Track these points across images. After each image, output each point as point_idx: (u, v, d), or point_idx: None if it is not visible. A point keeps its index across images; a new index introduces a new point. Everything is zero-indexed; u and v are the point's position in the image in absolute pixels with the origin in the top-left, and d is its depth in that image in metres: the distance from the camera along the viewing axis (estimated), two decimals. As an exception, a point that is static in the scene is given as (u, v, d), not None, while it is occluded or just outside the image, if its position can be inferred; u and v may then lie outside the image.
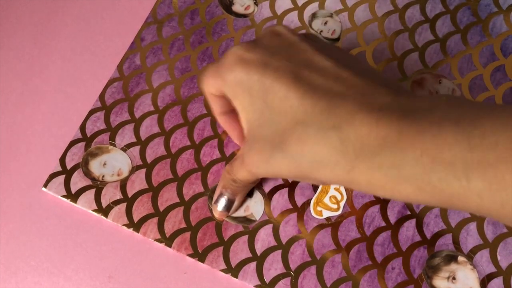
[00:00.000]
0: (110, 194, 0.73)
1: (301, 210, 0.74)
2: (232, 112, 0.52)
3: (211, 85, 0.47)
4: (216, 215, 0.58)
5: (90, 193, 0.72)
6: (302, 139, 0.38)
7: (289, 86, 0.39)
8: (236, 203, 0.56)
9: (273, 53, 0.41)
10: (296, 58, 0.41)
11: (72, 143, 0.74)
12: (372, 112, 0.37)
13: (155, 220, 0.70)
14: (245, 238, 0.70)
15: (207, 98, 0.51)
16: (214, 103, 0.50)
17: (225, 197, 0.55)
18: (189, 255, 0.69)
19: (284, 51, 0.41)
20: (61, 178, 0.72)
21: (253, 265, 0.69)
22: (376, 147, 0.35)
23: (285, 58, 0.41)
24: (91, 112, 0.76)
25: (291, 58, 0.41)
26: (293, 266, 0.72)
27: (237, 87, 0.41)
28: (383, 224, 0.74)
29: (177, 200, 0.71)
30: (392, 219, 0.74)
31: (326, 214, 0.75)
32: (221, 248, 0.69)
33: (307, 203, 0.75)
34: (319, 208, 0.74)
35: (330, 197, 0.73)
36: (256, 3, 0.85)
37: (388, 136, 0.35)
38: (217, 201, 0.56)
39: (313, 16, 0.87)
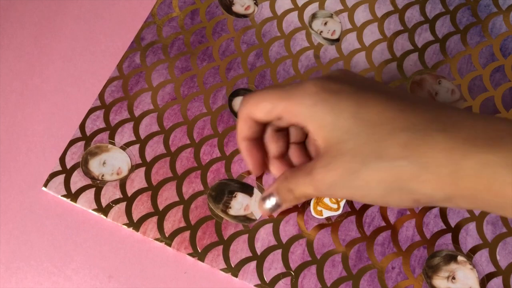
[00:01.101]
0: (109, 193, 0.72)
1: (301, 210, 0.74)
2: (256, 141, 0.53)
3: (262, 107, 0.48)
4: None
5: (90, 193, 0.72)
6: (405, 144, 0.38)
7: (387, 101, 0.40)
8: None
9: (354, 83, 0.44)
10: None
11: (72, 142, 0.74)
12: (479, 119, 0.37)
13: (154, 219, 0.70)
14: (245, 237, 0.70)
15: (240, 120, 0.52)
16: (246, 126, 0.50)
17: (275, 199, 0.55)
18: (189, 254, 0.69)
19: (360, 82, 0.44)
20: (61, 177, 0.72)
21: (253, 264, 0.69)
22: (490, 140, 0.35)
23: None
24: (91, 111, 0.76)
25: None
26: (293, 265, 0.72)
27: (316, 107, 0.41)
28: (383, 224, 0.74)
29: (177, 199, 0.71)
30: (392, 219, 0.74)
31: (326, 214, 0.75)
32: (220, 247, 0.69)
33: (307, 203, 0.75)
34: (319, 208, 0.74)
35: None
36: (256, 3, 0.85)
37: (505, 130, 0.36)
38: (266, 198, 0.56)
39: (313, 16, 0.88)
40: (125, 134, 0.75)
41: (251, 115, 0.50)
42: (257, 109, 0.49)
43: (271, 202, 0.56)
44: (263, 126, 0.53)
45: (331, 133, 0.41)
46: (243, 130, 0.53)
